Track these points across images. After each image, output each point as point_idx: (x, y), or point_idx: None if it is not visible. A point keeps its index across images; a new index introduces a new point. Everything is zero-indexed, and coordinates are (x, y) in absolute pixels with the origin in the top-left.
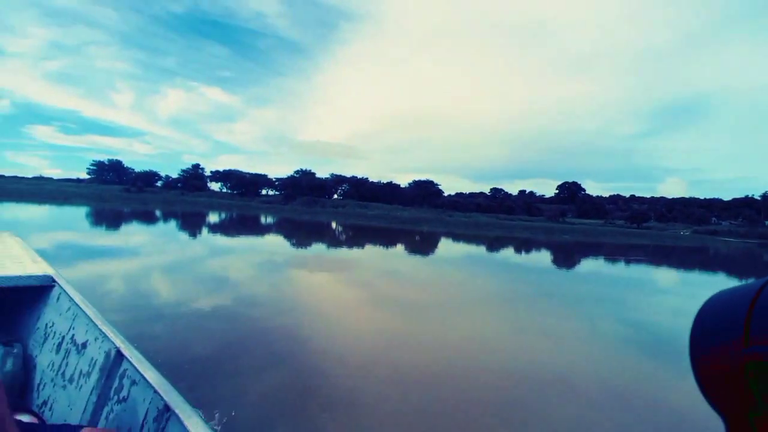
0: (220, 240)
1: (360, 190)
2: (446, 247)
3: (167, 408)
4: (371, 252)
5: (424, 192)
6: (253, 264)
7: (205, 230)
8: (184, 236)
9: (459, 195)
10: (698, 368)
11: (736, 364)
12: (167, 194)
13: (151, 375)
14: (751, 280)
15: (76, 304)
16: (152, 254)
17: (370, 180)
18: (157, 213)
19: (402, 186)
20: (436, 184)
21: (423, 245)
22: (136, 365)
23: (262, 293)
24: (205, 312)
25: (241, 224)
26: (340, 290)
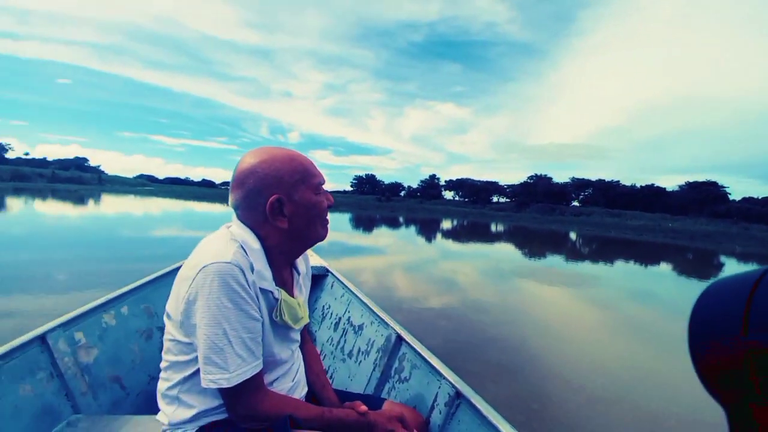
0: (452, 245)
1: (608, 195)
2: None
3: (458, 394)
4: (622, 269)
5: (702, 196)
6: (480, 270)
7: (439, 235)
8: (421, 240)
9: (748, 200)
10: (697, 357)
11: (735, 352)
12: (409, 202)
13: (435, 361)
14: (751, 269)
15: (351, 291)
16: (395, 254)
17: (622, 183)
18: (401, 219)
19: (668, 189)
20: (722, 187)
21: (699, 265)
22: (417, 349)
23: (487, 300)
24: (435, 310)
25: (472, 231)
26: (574, 308)
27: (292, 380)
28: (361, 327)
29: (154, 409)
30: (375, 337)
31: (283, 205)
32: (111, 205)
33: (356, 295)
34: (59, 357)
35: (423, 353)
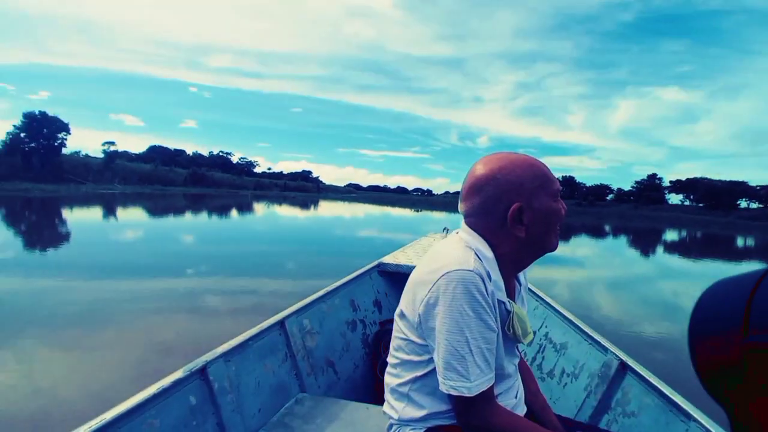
0: (676, 262)
1: None
2: None
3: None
4: None
5: None
6: None
7: (659, 249)
8: (632, 253)
9: None
10: (697, 357)
11: (735, 353)
12: (619, 208)
13: (679, 399)
14: (751, 269)
15: (547, 305)
16: (596, 267)
17: None
18: (606, 227)
19: None
20: None
21: None
22: (652, 382)
23: None
24: (647, 339)
25: (708, 245)
26: None
27: (515, 397)
28: (564, 346)
29: (360, 396)
30: (585, 360)
31: (522, 213)
32: (326, 208)
33: (556, 310)
34: (293, 340)
35: (661, 388)
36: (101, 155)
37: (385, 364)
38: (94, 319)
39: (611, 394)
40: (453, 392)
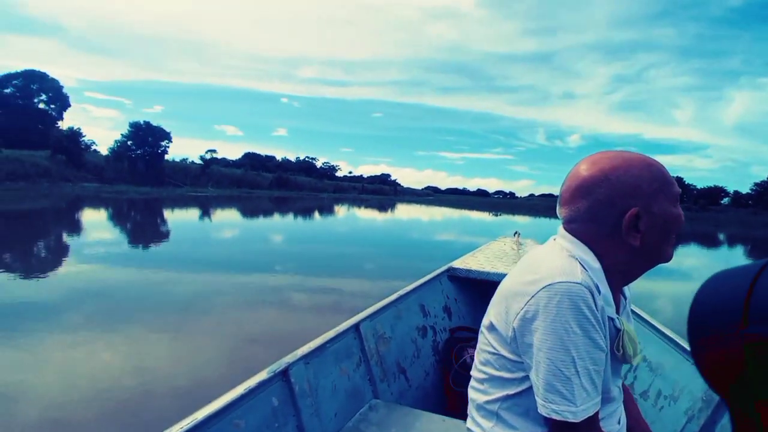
0: None
1: None
2: None
3: None
4: None
5: None
6: None
7: None
8: None
9: None
10: (697, 350)
11: (735, 345)
12: (736, 213)
13: None
14: (752, 262)
15: (641, 319)
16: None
17: None
18: (721, 236)
19: None
20: None
21: None
22: None
23: None
24: None
25: None
26: None
27: (618, 423)
28: (660, 365)
29: (431, 405)
30: (687, 382)
31: (639, 219)
32: (400, 211)
33: (651, 325)
34: (366, 344)
35: None
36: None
37: (458, 374)
38: (193, 309)
39: (716, 420)
40: (555, 416)
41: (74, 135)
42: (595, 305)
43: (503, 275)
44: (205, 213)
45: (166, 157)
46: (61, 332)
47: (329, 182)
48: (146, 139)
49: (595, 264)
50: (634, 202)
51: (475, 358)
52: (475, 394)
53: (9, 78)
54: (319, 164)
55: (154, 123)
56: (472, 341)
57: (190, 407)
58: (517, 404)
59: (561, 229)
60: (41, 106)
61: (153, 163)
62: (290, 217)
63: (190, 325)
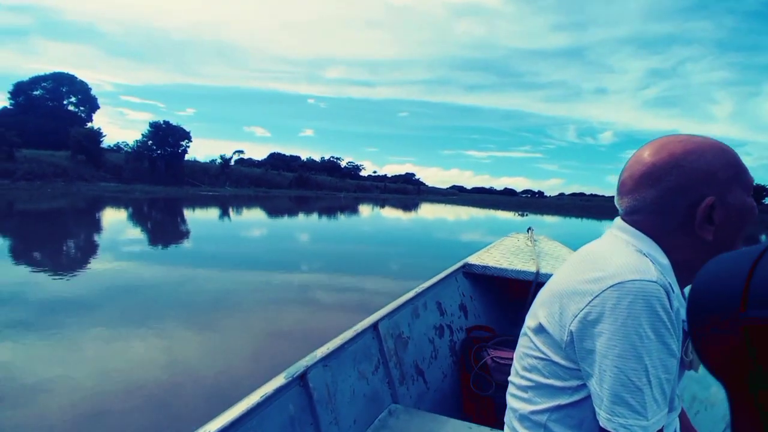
0: None
1: None
2: None
3: None
4: None
5: None
6: None
7: None
8: None
9: None
10: (696, 334)
11: (734, 328)
12: None
13: None
14: (752, 246)
15: None
16: None
17: None
18: (763, 237)
19: None
20: None
21: None
22: None
23: None
24: None
25: None
26: None
27: None
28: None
29: (450, 410)
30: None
31: (714, 210)
32: (423, 210)
33: None
34: (385, 344)
35: None
36: (232, 162)
37: (480, 377)
38: (221, 305)
39: None
40: (622, 430)
41: (94, 135)
42: (671, 306)
43: (521, 272)
44: (224, 211)
45: (187, 156)
46: (96, 327)
47: (351, 181)
48: (166, 138)
49: (664, 260)
50: (708, 191)
51: (516, 362)
52: (517, 403)
53: (38, 80)
54: (343, 164)
55: (187, 126)
56: (490, 341)
57: (217, 401)
58: (569, 416)
59: (619, 221)
60: (71, 108)
61: (172, 163)
62: (301, 215)
63: (218, 320)
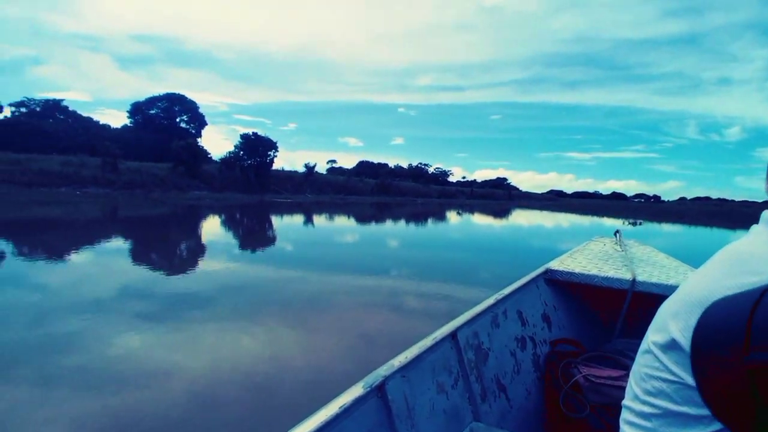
0: None
1: None
2: None
3: None
4: None
5: None
6: None
7: None
8: None
9: None
10: (700, 376)
11: (737, 371)
12: None
13: None
14: (752, 287)
15: None
16: None
17: None
18: None
19: None
20: None
21: None
22: None
23: None
24: None
25: None
26: None
27: None
28: None
29: (532, 430)
30: None
31: None
32: (514, 217)
33: None
34: (465, 355)
35: None
36: (324, 172)
37: (571, 397)
38: (317, 306)
39: None
40: None
41: (191, 147)
42: None
43: (614, 279)
44: (308, 218)
45: (280, 166)
46: (211, 320)
47: (436, 187)
48: (256, 149)
49: None
50: None
51: (634, 384)
52: None
53: (154, 100)
54: (431, 170)
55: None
56: (579, 357)
57: (315, 396)
58: None
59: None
60: (182, 125)
61: (260, 172)
62: (372, 220)
63: (314, 320)
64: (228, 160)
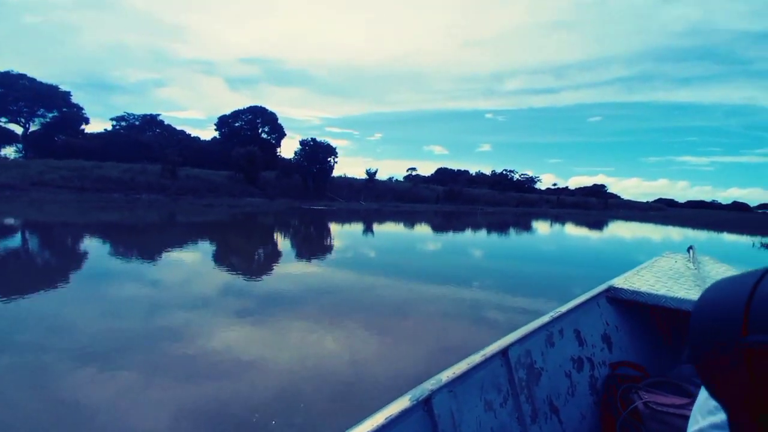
0: None
1: None
2: None
3: None
4: None
5: None
6: None
7: None
8: None
9: None
10: (698, 358)
11: (736, 353)
12: None
13: None
14: (752, 269)
15: None
16: None
17: None
18: None
19: None
20: None
21: None
22: None
23: None
24: None
25: None
26: None
27: None
28: None
29: None
30: None
31: None
32: (619, 228)
33: None
34: (515, 374)
35: None
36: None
37: (629, 423)
38: (399, 313)
39: None
40: None
41: (250, 155)
42: None
43: (683, 300)
44: (367, 227)
45: (334, 173)
46: (298, 319)
47: (514, 194)
48: (316, 155)
49: None
50: None
51: (699, 417)
52: None
53: (238, 113)
54: (516, 177)
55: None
56: (642, 382)
57: (384, 398)
58: None
59: None
60: (264, 135)
61: (321, 178)
62: (413, 230)
63: (396, 327)
64: (286, 167)
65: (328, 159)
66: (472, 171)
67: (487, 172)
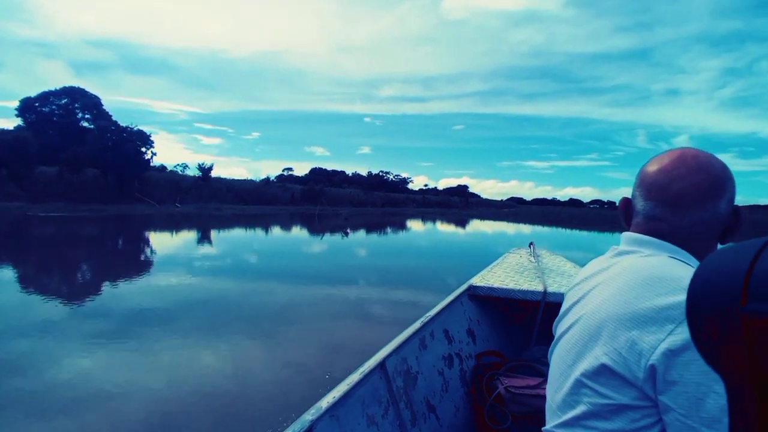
0: None
1: None
2: None
3: None
4: None
5: None
6: None
7: None
8: None
9: None
10: (696, 327)
11: (734, 322)
12: None
13: None
14: (753, 239)
15: None
16: None
17: None
18: None
19: None
20: None
21: None
22: None
23: None
24: None
25: None
26: None
27: None
28: None
29: None
30: None
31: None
32: (471, 225)
33: None
34: (393, 383)
35: None
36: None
37: (495, 409)
38: (283, 319)
39: None
40: None
41: (12, 144)
42: None
43: (528, 292)
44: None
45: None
46: (170, 336)
47: (379, 194)
48: (121, 145)
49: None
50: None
51: (557, 411)
52: None
53: (48, 95)
54: (391, 177)
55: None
56: (501, 368)
57: (275, 415)
58: None
59: (647, 239)
60: (85, 124)
61: (126, 175)
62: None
63: (280, 333)
64: (74, 160)
65: (141, 150)
66: (349, 172)
67: (364, 173)
